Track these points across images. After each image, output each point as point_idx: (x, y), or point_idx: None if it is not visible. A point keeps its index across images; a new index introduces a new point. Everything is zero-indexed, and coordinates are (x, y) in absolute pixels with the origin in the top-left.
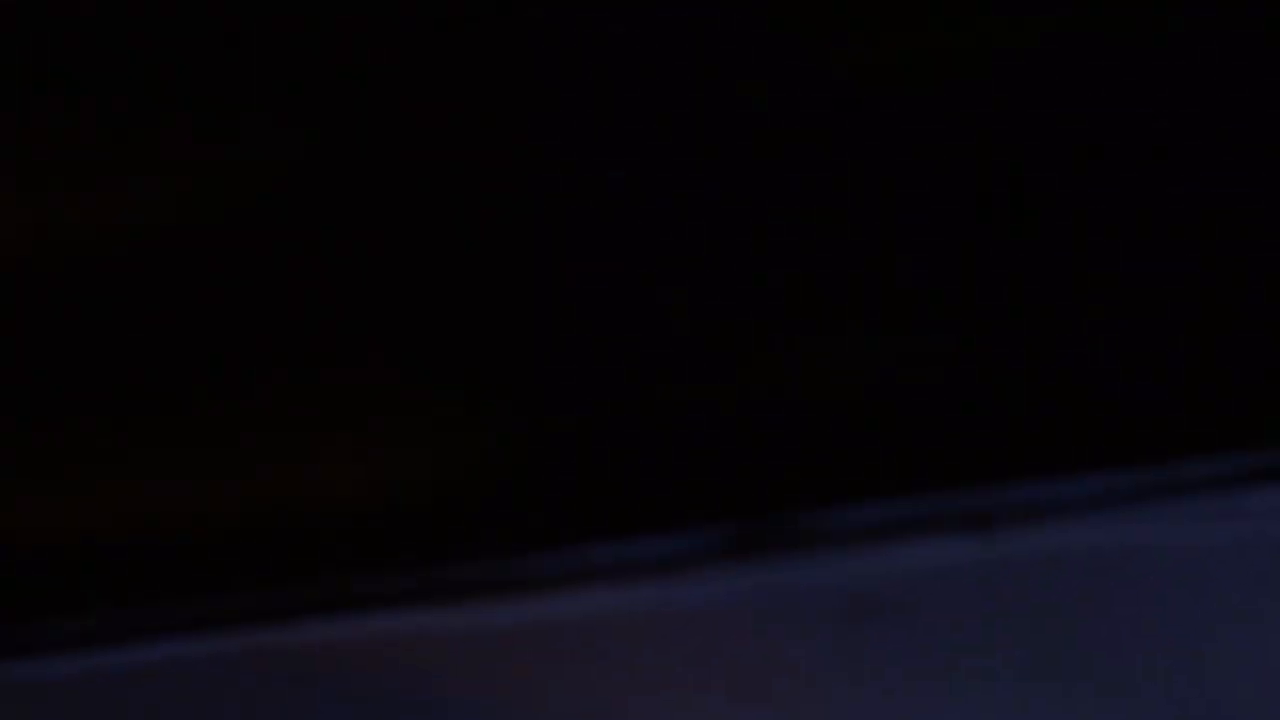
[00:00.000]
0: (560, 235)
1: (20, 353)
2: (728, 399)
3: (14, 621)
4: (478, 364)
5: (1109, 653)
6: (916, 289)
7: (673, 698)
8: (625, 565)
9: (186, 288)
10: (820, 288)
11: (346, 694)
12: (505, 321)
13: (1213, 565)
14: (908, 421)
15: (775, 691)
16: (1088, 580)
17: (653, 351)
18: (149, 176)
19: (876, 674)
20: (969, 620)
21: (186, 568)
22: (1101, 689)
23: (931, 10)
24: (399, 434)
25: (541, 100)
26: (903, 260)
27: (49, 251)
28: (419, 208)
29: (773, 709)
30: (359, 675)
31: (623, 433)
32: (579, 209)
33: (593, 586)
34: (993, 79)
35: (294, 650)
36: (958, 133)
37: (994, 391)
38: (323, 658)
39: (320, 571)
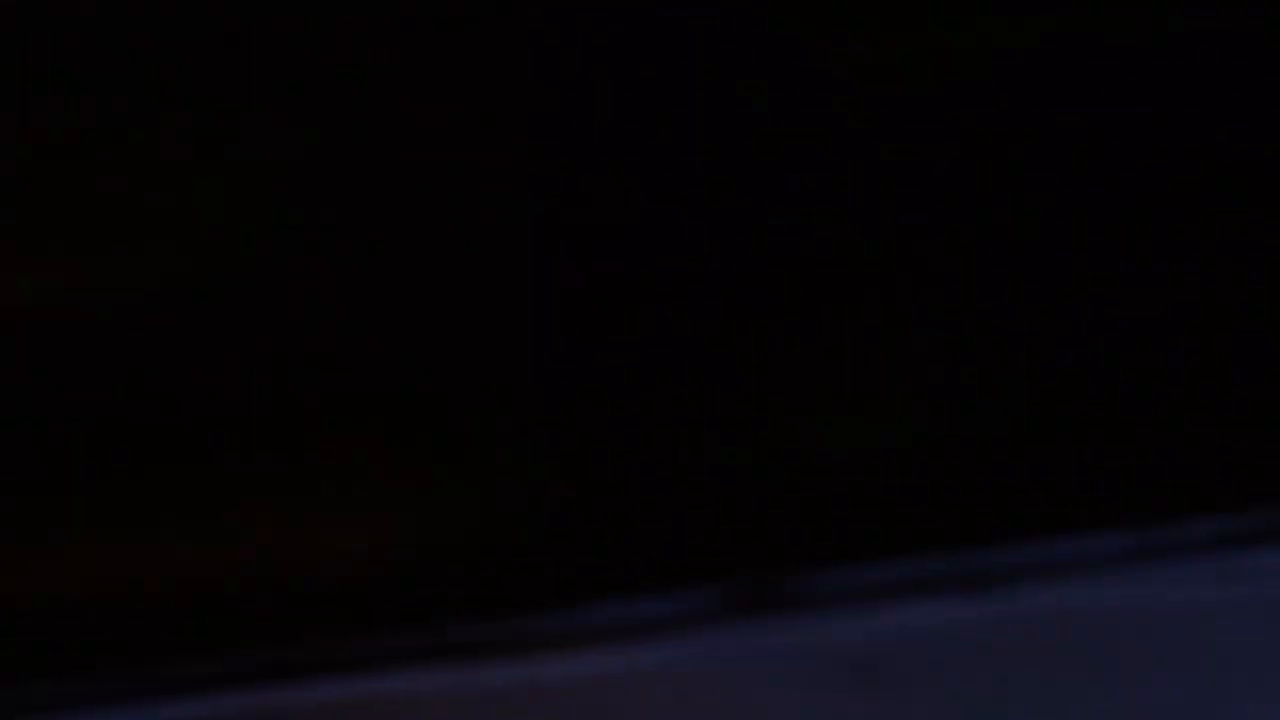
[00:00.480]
0: (552, 296)
1: (9, 413)
2: (724, 460)
3: (12, 683)
4: (475, 426)
5: (1108, 713)
6: (912, 346)
7: None
8: (622, 626)
9: (179, 352)
10: (816, 348)
11: None
12: (501, 383)
13: (1213, 626)
14: (904, 481)
15: None
16: (1086, 641)
17: (649, 413)
18: (134, 241)
19: None
20: (966, 681)
21: (184, 630)
22: None
23: (931, 10)
24: (396, 496)
25: (537, 123)
26: (896, 318)
27: (34, 313)
28: (408, 272)
29: None
30: None
31: (619, 494)
32: (571, 272)
33: (589, 647)
34: (993, 79)
35: (292, 711)
36: (957, 133)
37: (991, 450)
38: (320, 718)
39: (318, 633)
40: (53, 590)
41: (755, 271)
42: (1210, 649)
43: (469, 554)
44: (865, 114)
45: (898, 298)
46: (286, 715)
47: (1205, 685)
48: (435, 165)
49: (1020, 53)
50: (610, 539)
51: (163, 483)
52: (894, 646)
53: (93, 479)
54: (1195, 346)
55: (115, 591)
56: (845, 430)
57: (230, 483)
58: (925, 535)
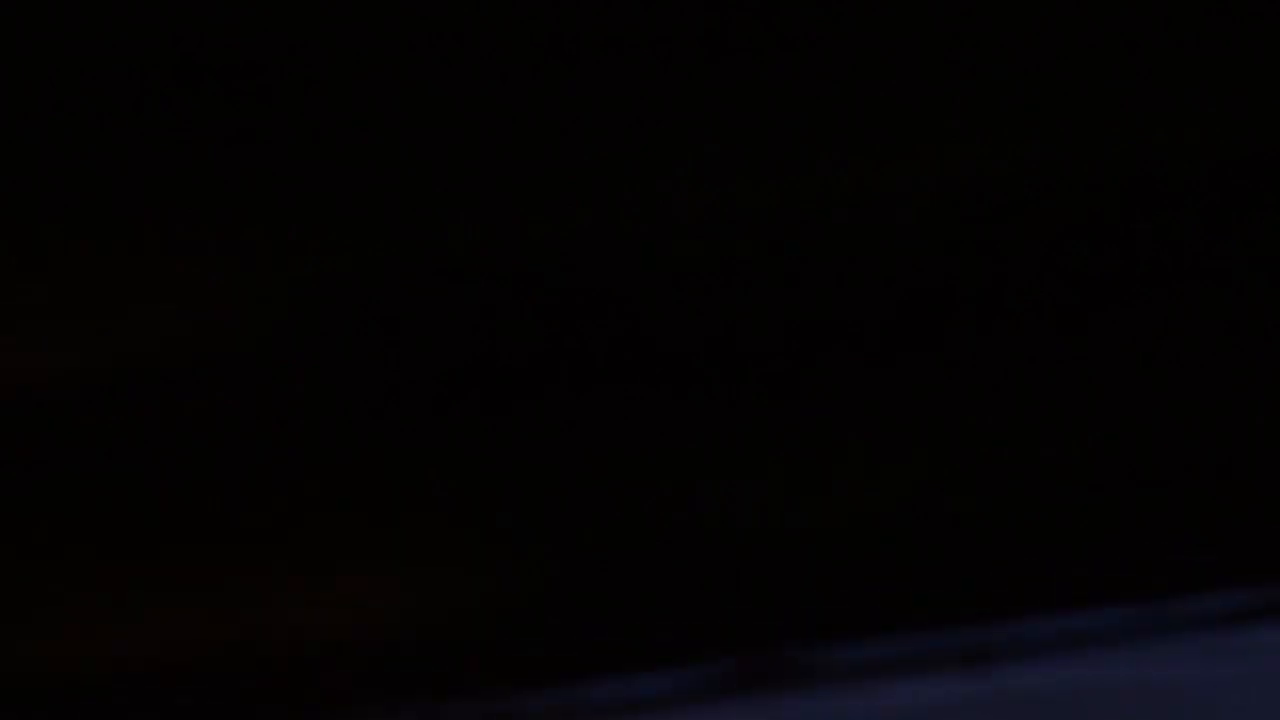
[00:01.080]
0: (552, 376)
1: (16, 484)
2: (727, 534)
3: None
4: (474, 501)
5: None
6: (910, 423)
7: None
8: (625, 703)
9: (187, 423)
10: (816, 421)
11: None
12: (501, 458)
13: (1214, 702)
14: (908, 556)
15: None
16: (1088, 716)
17: (650, 486)
18: (137, 312)
19: None
20: None
21: (183, 704)
22: None
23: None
24: (395, 572)
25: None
26: (894, 389)
27: (31, 386)
28: (412, 351)
29: None
30: None
31: (620, 569)
32: (565, 349)
33: None
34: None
35: None
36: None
37: (992, 526)
38: None
39: (315, 707)
40: (54, 661)
41: (752, 341)
42: None
43: (468, 630)
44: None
45: (895, 367)
46: None
47: None
48: (427, 310)
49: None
50: (611, 614)
51: (155, 558)
52: None
53: (94, 552)
54: (1188, 424)
55: (115, 664)
56: (845, 504)
57: (225, 559)
58: (927, 610)
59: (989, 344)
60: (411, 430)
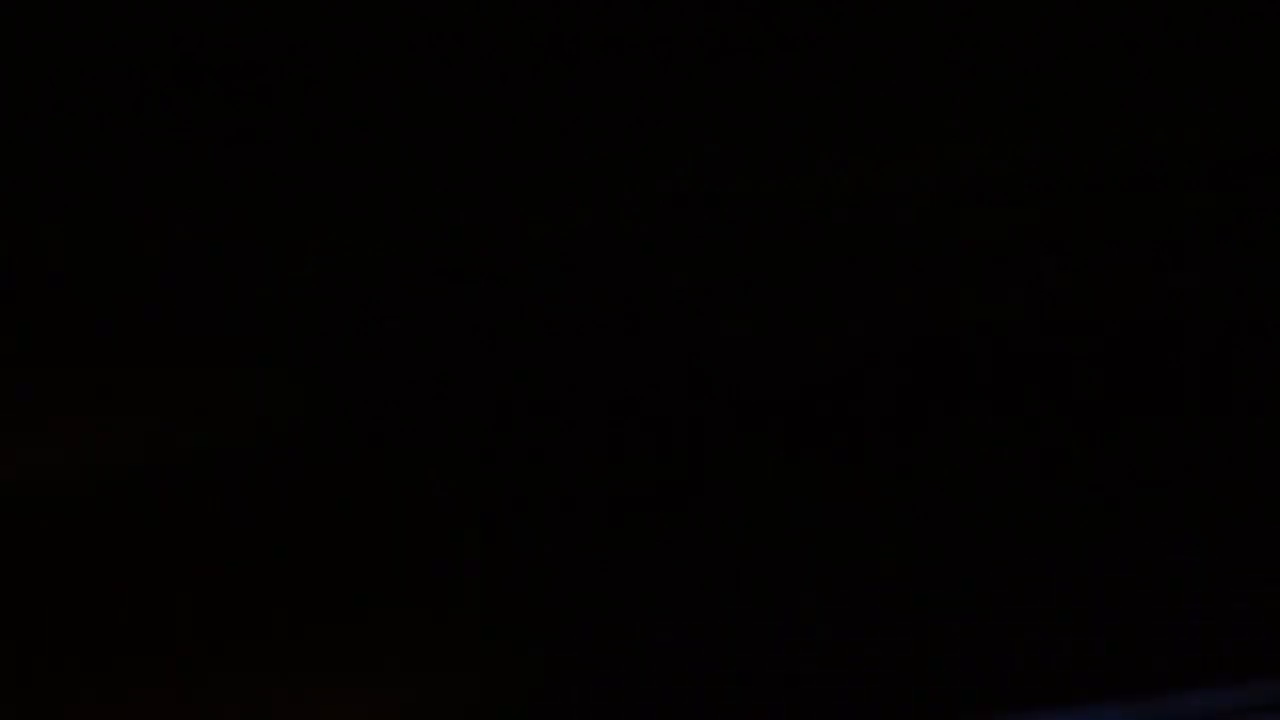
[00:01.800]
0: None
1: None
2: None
3: None
4: (478, 603)
5: None
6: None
7: None
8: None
9: (180, 527)
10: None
11: None
12: (503, 564)
13: None
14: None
15: None
16: None
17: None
18: (121, 420)
19: None
20: None
21: None
22: None
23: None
24: (397, 672)
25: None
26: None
27: (24, 491)
28: (403, 449)
29: None
30: None
31: (626, 672)
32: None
33: None
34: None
35: None
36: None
37: (995, 622)
38: None
39: None
40: None
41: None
42: None
43: None
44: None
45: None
46: None
47: None
48: (415, 414)
49: None
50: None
51: (145, 663)
52: None
53: (83, 659)
54: (1190, 524)
55: None
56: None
57: (217, 662)
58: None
59: (986, 436)
60: (408, 532)
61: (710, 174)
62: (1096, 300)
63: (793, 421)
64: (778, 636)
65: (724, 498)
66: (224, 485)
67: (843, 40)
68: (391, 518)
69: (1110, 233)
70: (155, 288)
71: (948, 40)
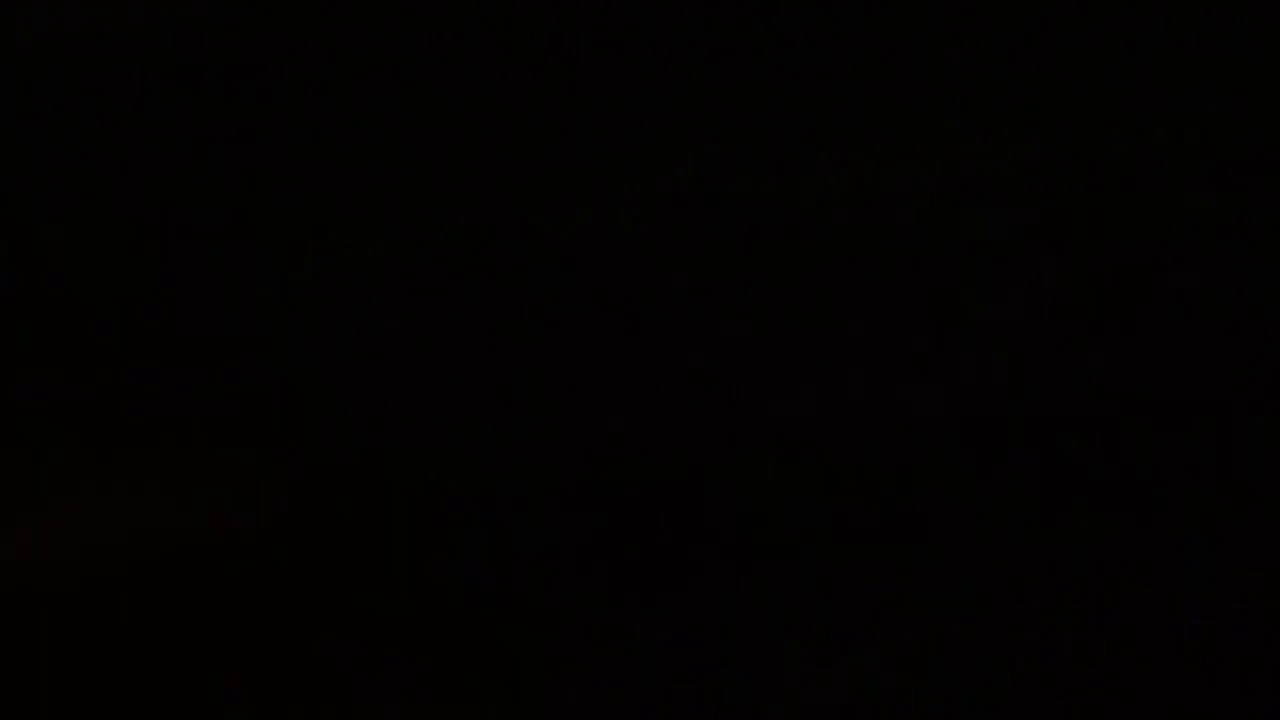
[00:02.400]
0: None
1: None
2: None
3: None
4: (483, 696)
5: None
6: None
7: None
8: None
9: (175, 611)
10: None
11: None
12: (506, 665)
13: None
14: None
15: None
16: None
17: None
18: (127, 503)
19: None
20: None
21: None
22: None
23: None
24: None
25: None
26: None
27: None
28: (404, 541)
29: None
30: None
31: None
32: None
33: None
34: None
35: None
36: None
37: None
38: None
39: None
40: None
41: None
42: None
43: None
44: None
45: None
46: None
47: None
48: (420, 495)
49: None
50: None
51: None
52: None
53: None
54: (1190, 525)
55: None
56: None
57: None
58: None
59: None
60: (408, 622)
61: (710, 174)
62: (1096, 300)
63: (792, 421)
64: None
65: (723, 496)
66: (224, 568)
67: (842, 41)
68: (396, 601)
69: (1110, 233)
70: (156, 366)
71: (948, 40)
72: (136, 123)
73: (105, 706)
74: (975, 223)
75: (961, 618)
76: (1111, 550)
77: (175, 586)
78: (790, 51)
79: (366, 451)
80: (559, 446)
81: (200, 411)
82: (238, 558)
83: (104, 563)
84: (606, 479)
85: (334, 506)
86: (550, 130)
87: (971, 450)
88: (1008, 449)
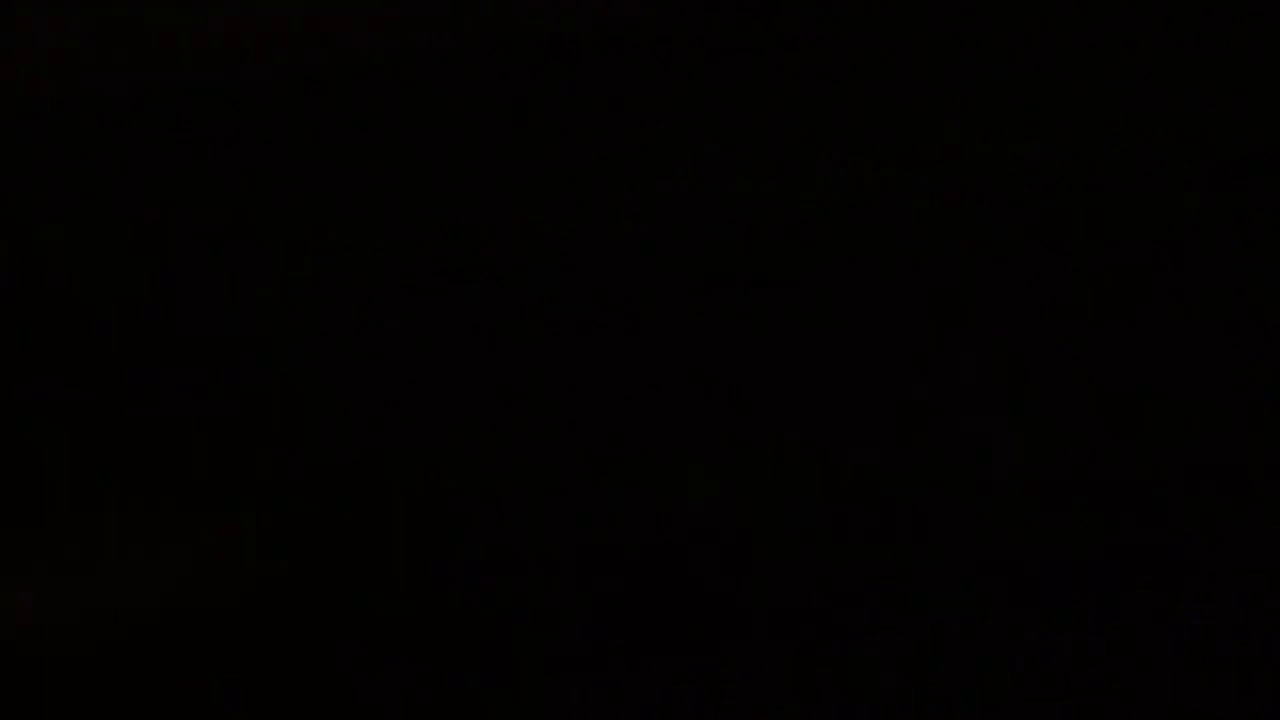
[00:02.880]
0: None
1: None
2: None
3: None
4: None
5: None
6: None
7: None
8: None
9: (172, 679)
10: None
11: None
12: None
13: None
14: None
15: None
16: None
17: None
18: (120, 566)
19: None
20: None
21: None
22: None
23: None
24: None
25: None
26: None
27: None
28: (402, 605)
29: None
30: None
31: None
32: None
33: None
34: None
35: None
36: None
37: None
38: None
39: None
40: None
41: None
42: None
43: None
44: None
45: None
46: None
47: None
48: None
49: None
50: None
51: None
52: None
53: None
54: (1190, 527)
55: None
56: None
57: None
58: None
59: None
60: (405, 693)
61: (710, 174)
62: (1096, 300)
63: (790, 421)
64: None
65: (723, 496)
66: (218, 632)
67: (843, 40)
68: (387, 660)
69: (1110, 233)
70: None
71: (948, 40)
72: (136, 123)
73: None
74: (975, 223)
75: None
76: (1112, 551)
77: (170, 651)
78: (790, 52)
79: (361, 504)
80: (560, 513)
81: (194, 462)
82: (232, 621)
83: (100, 627)
84: (600, 542)
85: (325, 570)
86: (550, 131)
87: (971, 448)
88: (1006, 450)
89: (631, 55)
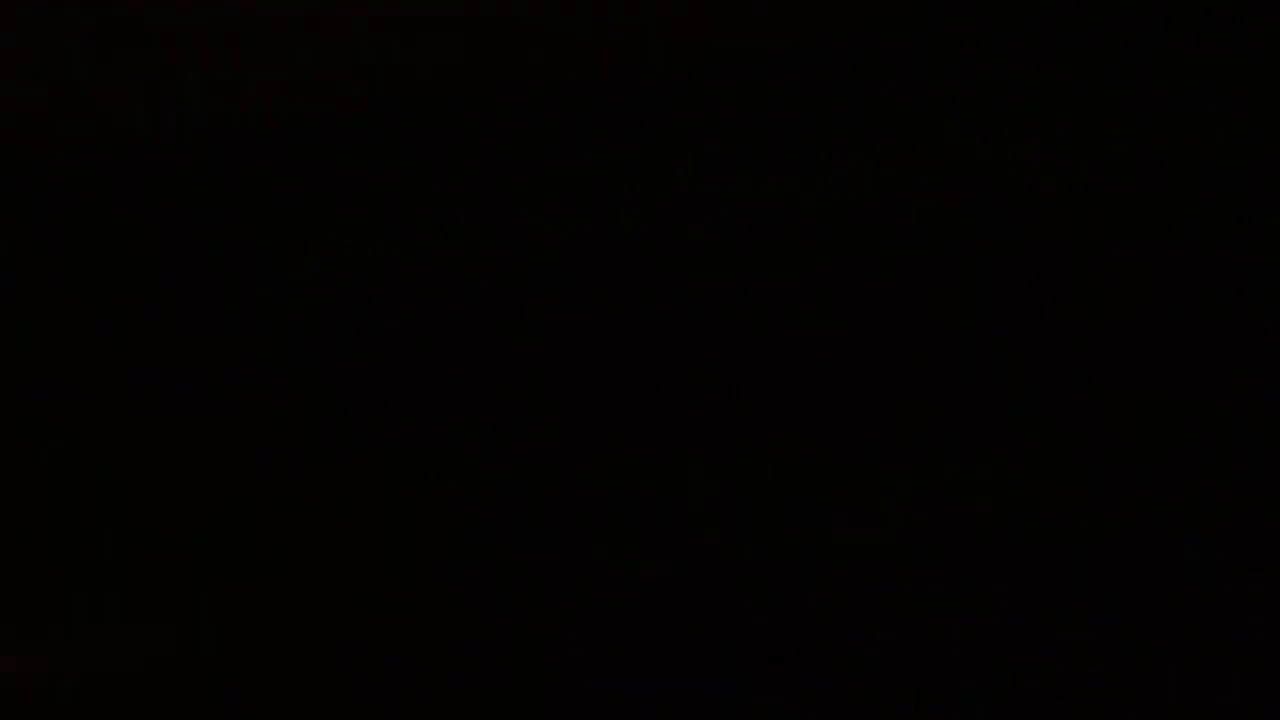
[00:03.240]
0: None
1: None
2: None
3: None
4: None
5: None
6: None
7: None
8: None
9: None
10: None
11: None
12: None
13: None
14: None
15: None
16: None
17: None
18: (118, 632)
19: None
20: None
21: None
22: None
23: None
24: None
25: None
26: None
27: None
28: (394, 663)
29: None
30: None
31: None
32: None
33: None
34: None
35: None
36: None
37: None
38: None
39: None
40: None
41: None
42: None
43: None
44: None
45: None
46: None
47: None
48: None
49: None
50: None
51: None
52: None
53: None
54: (1190, 528)
55: None
56: None
57: None
58: None
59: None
60: None
61: (710, 174)
62: (1096, 300)
63: (790, 420)
64: None
65: (723, 496)
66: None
67: (843, 40)
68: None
69: (1110, 233)
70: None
71: (948, 40)
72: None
73: None
74: (975, 223)
75: None
76: (1114, 551)
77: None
78: (790, 51)
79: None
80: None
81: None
82: (229, 680)
83: (101, 690)
84: (600, 542)
85: (325, 570)
86: (550, 130)
87: (974, 451)
88: (1008, 452)
89: (632, 53)
